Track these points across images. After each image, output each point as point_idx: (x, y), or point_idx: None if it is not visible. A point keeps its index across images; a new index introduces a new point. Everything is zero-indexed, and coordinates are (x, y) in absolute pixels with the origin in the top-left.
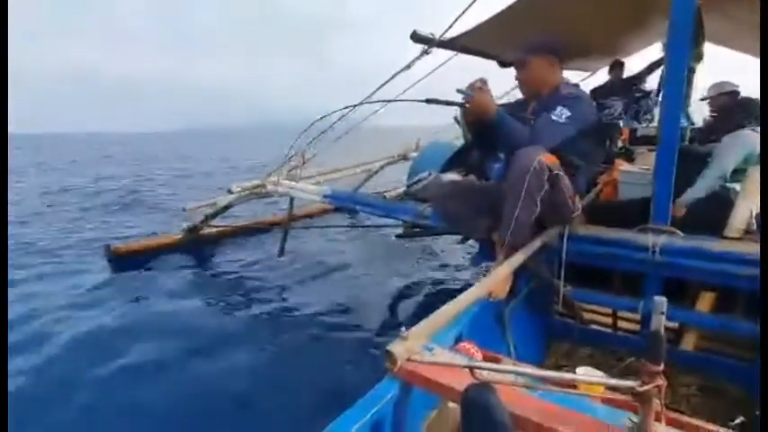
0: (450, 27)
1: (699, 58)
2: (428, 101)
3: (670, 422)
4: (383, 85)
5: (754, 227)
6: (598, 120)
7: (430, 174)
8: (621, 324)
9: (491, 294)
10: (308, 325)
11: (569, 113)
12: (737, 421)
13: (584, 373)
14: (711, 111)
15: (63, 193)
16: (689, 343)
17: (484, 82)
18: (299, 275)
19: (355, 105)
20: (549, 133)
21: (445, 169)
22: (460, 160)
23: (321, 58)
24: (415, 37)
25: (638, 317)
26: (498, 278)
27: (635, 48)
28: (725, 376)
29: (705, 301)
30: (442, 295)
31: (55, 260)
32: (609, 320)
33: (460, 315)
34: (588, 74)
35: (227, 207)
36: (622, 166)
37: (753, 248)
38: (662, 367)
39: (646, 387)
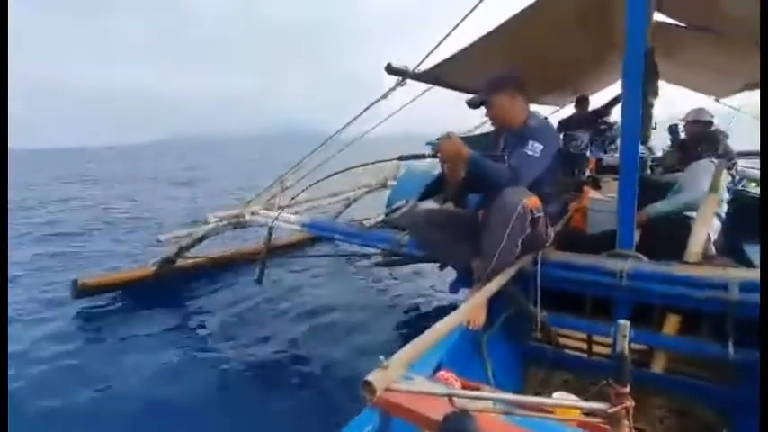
0: (424, 60)
1: (655, 93)
2: (401, 158)
3: None
4: (358, 116)
5: (712, 251)
6: (565, 149)
7: (407, 202)
8: (596, 348)
9: (469, 323)
10: (288, 357)
11: (542, 146)
12: None
13: (560, 397)
14: (686, 135)
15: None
16: (658, 365)
17: (450, 134)
18: (279, 306)
19: (331, 137)
20: (529, 168)
21: (423, 198)
22: (438, 189)
23: (319, 66)
24: (390, 69)
25: (610, 341)
26: (475, 306)
27: (601, 86)
28: (694, 397)
29: (671, 324)
30: (422, 323)
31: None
32: (584, 345)
33: (439, 344)
34: (557, 108)
35: (203, 238)
36: (590, 194)
37: (712, 272)
38: (628, 388)
39: (614, 409)
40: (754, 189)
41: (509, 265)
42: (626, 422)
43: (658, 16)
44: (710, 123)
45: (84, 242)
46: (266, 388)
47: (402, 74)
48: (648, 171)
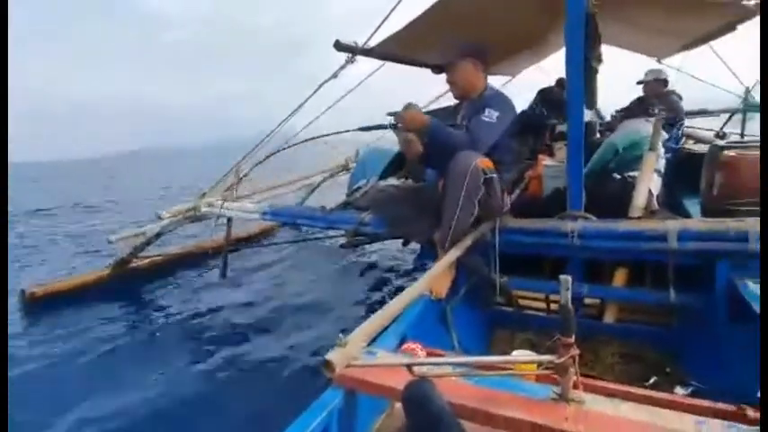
0: (372, 36)
1: (599, 59)
2: (362, 129)
3: (587, 388)
4: (309, 97)
5: (655, 206)
6: (519, 117)
7: (368, 181)
8: (555, 307)
9: (433, 293)
10: (257, 347)
11: (497, 113)
12: (652, 381)
13: (516, 354)
14: (645, 93)
15: None
16: (610, 316)
17: (410, 104)
18: (244, 298)
19: (283, 121)
20: (486, 133)
21: (384, 176)
22: (399, 166)
23: (292, 72)
24: (339, 46)
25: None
26: (437, 275)
27: (549, 51)
28: (642, 342)
29: (619, 277)
30: (389, 298)
31: None
32: (544, 305)
33: (403, 316)
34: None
35: (158, 235)
36: (545, 160)
37: (652, 225)
38: (573, 339)
39: (562, 359)
40: (692, 146)
41: (468, 228)
42: (572, 370)
43: None
44: (666, 82)
45: None
46: (235, 380)
47: (351, 50)
48: (598, 135)
